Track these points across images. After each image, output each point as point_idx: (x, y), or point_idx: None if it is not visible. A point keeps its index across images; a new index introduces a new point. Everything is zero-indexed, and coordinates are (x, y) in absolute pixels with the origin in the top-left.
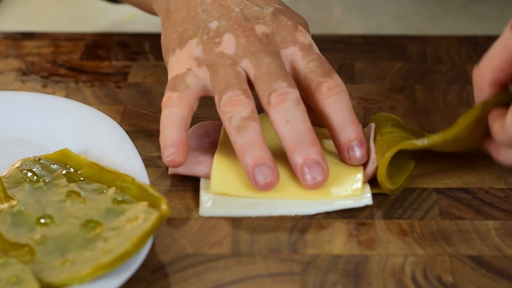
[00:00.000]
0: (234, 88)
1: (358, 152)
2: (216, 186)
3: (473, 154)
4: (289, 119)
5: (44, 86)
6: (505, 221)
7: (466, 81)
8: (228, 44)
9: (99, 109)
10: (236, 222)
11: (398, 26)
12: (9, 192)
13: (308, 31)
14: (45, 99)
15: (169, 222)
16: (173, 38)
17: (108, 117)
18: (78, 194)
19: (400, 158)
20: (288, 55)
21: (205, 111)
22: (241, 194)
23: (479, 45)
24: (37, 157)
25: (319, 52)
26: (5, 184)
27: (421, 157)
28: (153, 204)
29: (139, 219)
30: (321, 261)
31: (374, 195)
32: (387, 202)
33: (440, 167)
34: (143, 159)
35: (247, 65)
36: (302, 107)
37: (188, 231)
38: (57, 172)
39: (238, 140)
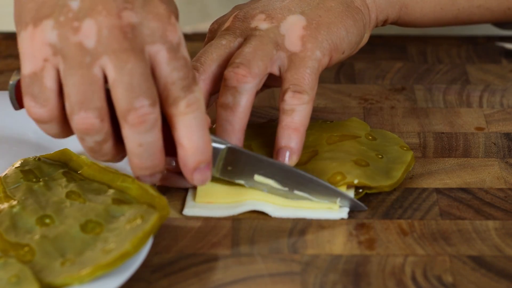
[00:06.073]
0: (88, 108)
1: (204, 175)
2: (200, 198)
3: (473, 154)
4: (143, 143)
5: None
6: (505, 221)
7: (466, 81)
8: (88, 33)
9: None
10: (236, 222)
11: (398, 26)
12: (9, 192)
13: (177, 20)
14: None
15: (169, 222)
16: (29, 9)
17: None
18: (78, 194)
19: (397, 151)
20: (152, 52)
21: None
22: (223, 202)
23: (479, 45)
24: (37, 157)
25: (186, 53)
26: (5, 184)
27: (421, 157)
28: (153, 204)
29: (139, 219)
30: (321, 261)
31: (374, 195)
32: (387, 202)
33: (440, 167)
34: None
35: (106, 64)
36: (159, 127)
37: (188, 231)
38: (57, 172)
39: (94, 157)
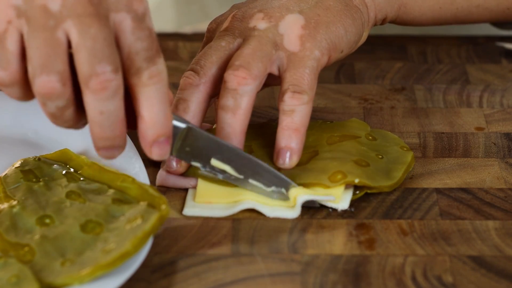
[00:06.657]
0: (50, 71)
1: (163, 149)
2: (200, 198)
3: (473, 154)
4: (104, 110)
5: None
6: (505, 221)
7: (466, 81)
8: None
9: None
10: (236, 222)
11: (398, 26)
12: (9, 192)
13: None
14: None
15: (169, 222)
16: None
17: None
18: (78, 194)
19: (397, 151)
20: (117, 21)
21: None
22: (223, 202)
23: (479, 45)
24: (37, 157)
25: (151, 25)
26: (5, 184)
27: (421, 157)
28: (153, 204)
29: (139, 219)
30: (321, 261)
31: (374, 195)
32: (387, 202)
33: (440, 167)
34: (143, 159)
35: (70, 28)
36: (120, 96)
37: (188, 231)
38: (57, 172)
39: (55, 123)
